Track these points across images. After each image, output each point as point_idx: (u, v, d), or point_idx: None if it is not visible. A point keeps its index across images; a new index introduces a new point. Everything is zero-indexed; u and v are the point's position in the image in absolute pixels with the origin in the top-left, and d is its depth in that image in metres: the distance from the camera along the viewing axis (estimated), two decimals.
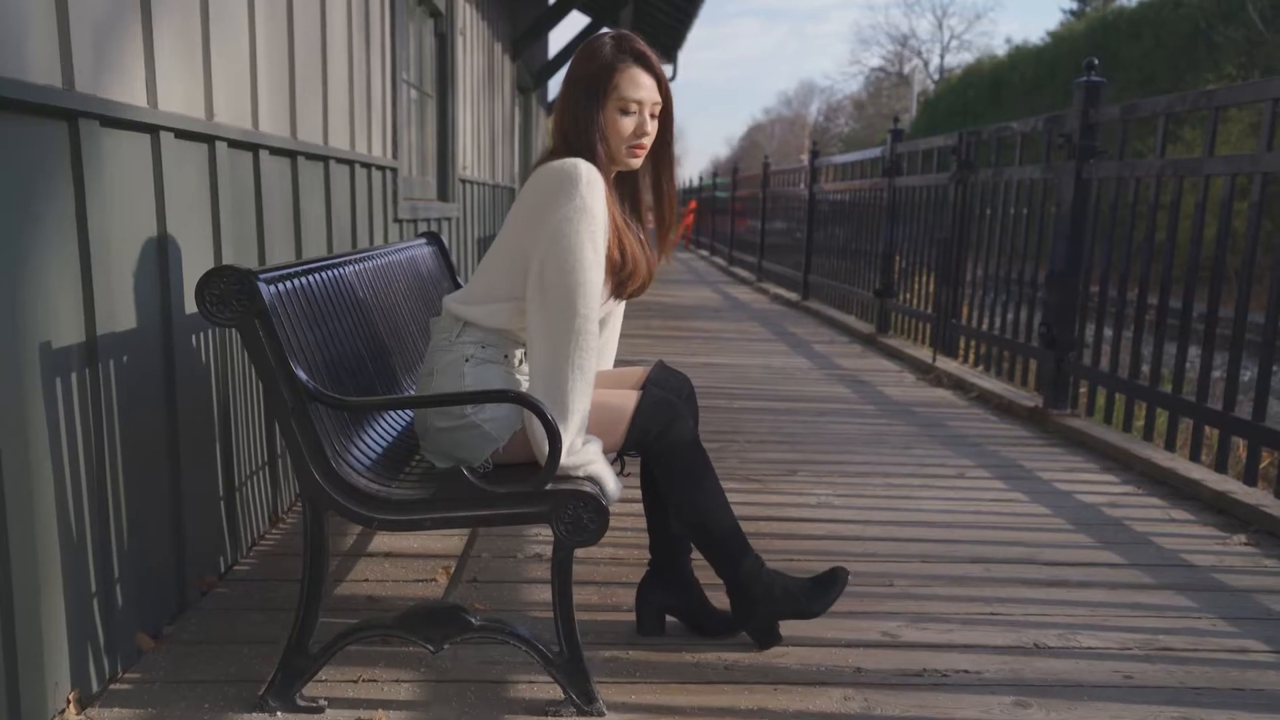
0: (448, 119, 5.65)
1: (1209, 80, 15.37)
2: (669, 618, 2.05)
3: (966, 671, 1.90)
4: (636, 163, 1.87)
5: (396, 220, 4.11)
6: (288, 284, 1.75)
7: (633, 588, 2.08)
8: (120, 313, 1.79)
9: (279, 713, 1.66)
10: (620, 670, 1.87)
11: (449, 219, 5.61)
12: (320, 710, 1.68)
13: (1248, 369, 3.84)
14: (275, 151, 2.56)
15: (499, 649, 1.92)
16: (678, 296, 9.73)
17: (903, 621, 2.12)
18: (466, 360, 1.81)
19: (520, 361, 1.89)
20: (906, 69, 49.29)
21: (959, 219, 5.44)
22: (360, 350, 2.03)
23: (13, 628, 1.47)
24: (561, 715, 1.68)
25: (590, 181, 1.71)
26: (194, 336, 2.10)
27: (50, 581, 1.57)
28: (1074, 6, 30.52)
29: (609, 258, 1.78)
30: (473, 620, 1.67)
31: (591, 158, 1.78)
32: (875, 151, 7.18)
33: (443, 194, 5.67)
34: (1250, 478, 3.03)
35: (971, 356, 5.33)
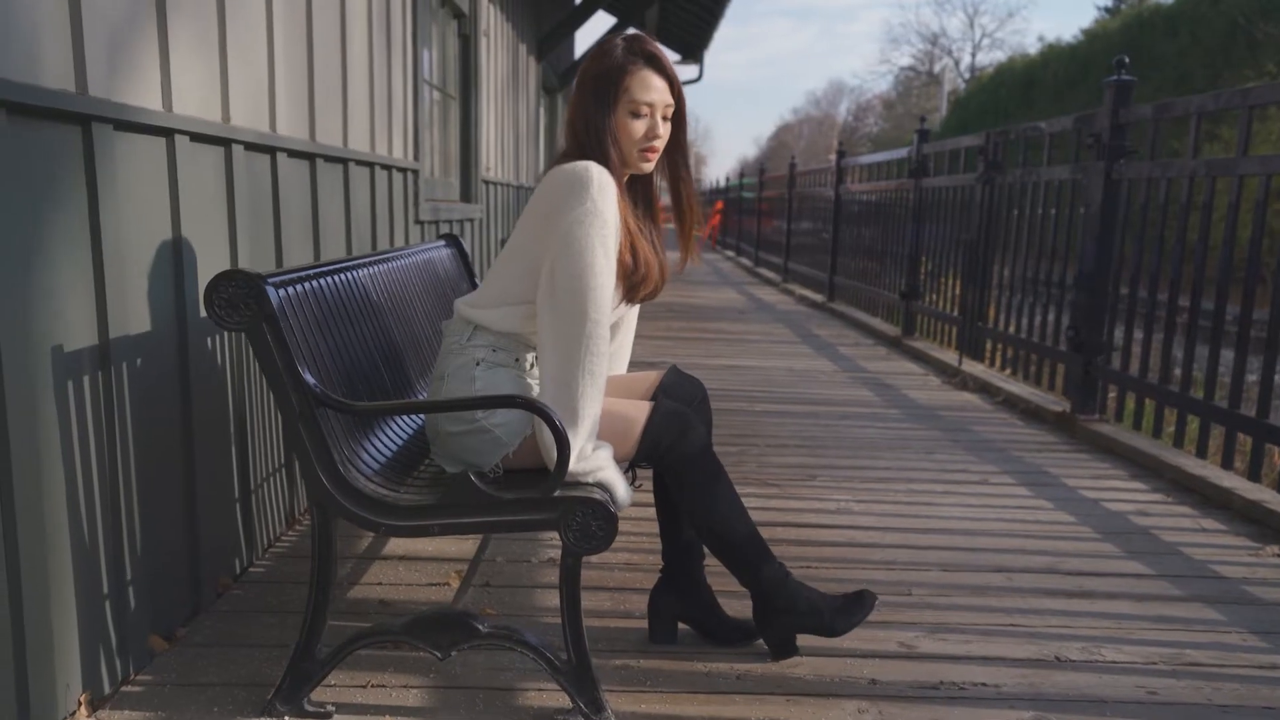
0: (471, 120, 5.66)
1: (1249, 78, 15.04)
2: (681, 626, 2.02)
3: (984, 685, 1.86)
4: (649, 166, 1.85)
5: (418, 222, 4.12)
6: (298, 288, 1.74)
7: (646, 594, 2.06)
8: (134, 316, 1.79)
9: (286, 717, 1.66)
10: (631, 678, 1.85)
11: (472, 220, 5.62)
12: (328, 716, 1.67)
13: None
14: (293, 154, 2.57)
15: (509, 655, 1.90)
16: (703, 298, 9.69)
17: (920, 632, 2.08)
18: (477, 364, 1.80)
19: (531, 365, 1.88)
20: (937, 68, 48.86)
21: (986, 220, 5.36)
22: (373, 354, 2.03)
23: (22, 629, 1.48)
24: None
25: (601, 185, 1.69)
26: (209, 339, 2.11)
27: (61, 583, 1.58)
28: (1108, 3, 30.06)
29: (621, 262, 1.77)
30: (480, 627, 1.65)
31: (603, 161, 1.76)
32: (901, 152, 7.10)
33: (466, 195, 5.68)
34: None
35: (998, 360, 5.25)
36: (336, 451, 1.61)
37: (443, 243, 2.99)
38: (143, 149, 1.82)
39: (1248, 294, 3.18)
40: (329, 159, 2.86)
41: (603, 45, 1.83)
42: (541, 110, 9.58)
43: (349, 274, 2.06)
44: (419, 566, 2.37)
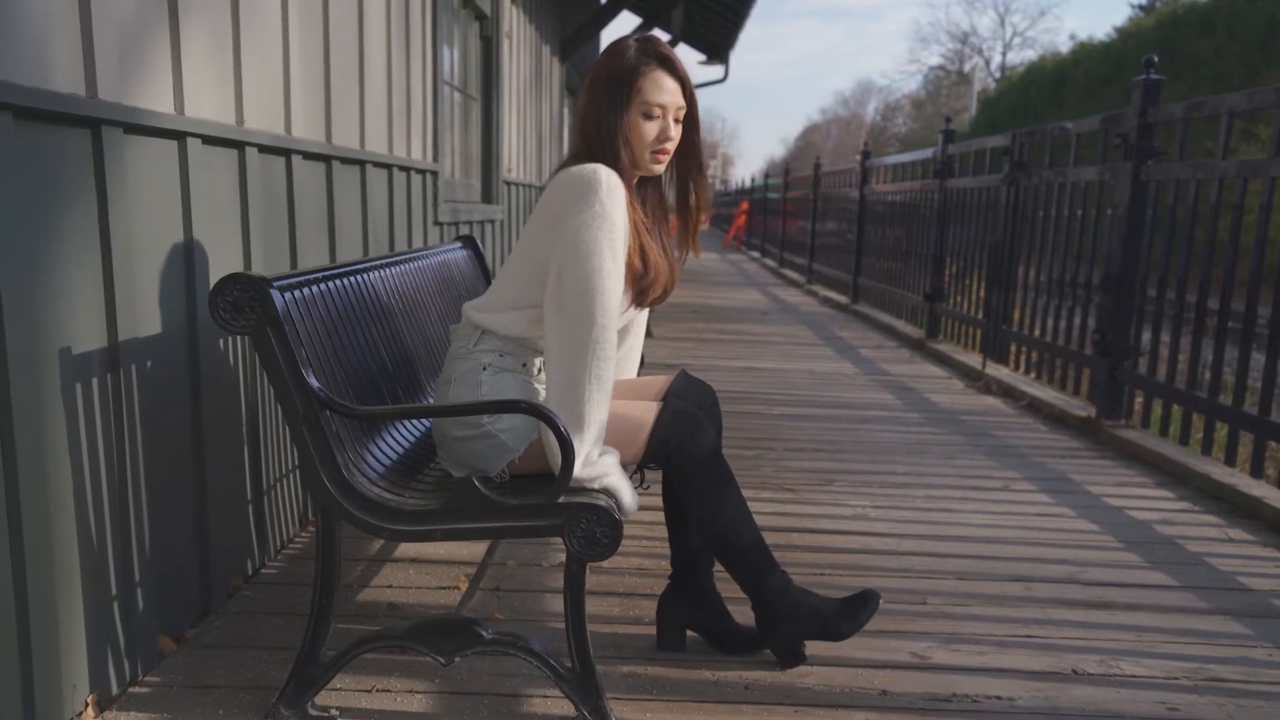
0: (493, 121, 5.67)
1: None
2: (690, 633, 2.00)
3: (999, 698, 1.82)
4: (659, 169, 1.83)
5: (437, 223, 4.13)
6: (305, 290, 1.74)
7: (656, 600, 2.04)
8: (144, 318, 1.80)
9: None
10: (637, 686, 1.83)
11: (493, 221, 5.63)
12: None
13: None
14: (309, 156, 2.58)
15: (515, 661, 1.89)
16: (726, 299, 9.65)
17: (934, 642, 2.05)
18: (484, 369, 1.79)
19: (539, 370, 1.86)
20: (967, 67, 48.41)
21: (1011, 221, 5.29)
22: (383, 357, 2.02)
23: (28, 629, 1.48)
24: None
25: (610, 187, 1.67)
26: (222, 341, 2.12)
27: (68, 584, 1.58)
28: (1143, 1, 29.60)
29: (629, 265, 1.75)
30: (484, 633, 1.64)
31: (614, 162, 1.75)
32: (927, 153, 7.03)
33: (487, 196, 5.69)
34: None
35: (1023, 363, 5.17)
36: (340, 455, 1.61)
37: (459, 245, 2.98)
38: (154, 152, 1.83)
39: (1279, 297, 3.10)
40: (345, 161, 2.87)
41: (615, 46, 1.81)
42: (565, 111, 9.59)
43: (359, 277, 2.06)
44: (430, 569, 2.37)
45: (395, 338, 2.13)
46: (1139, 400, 4.01)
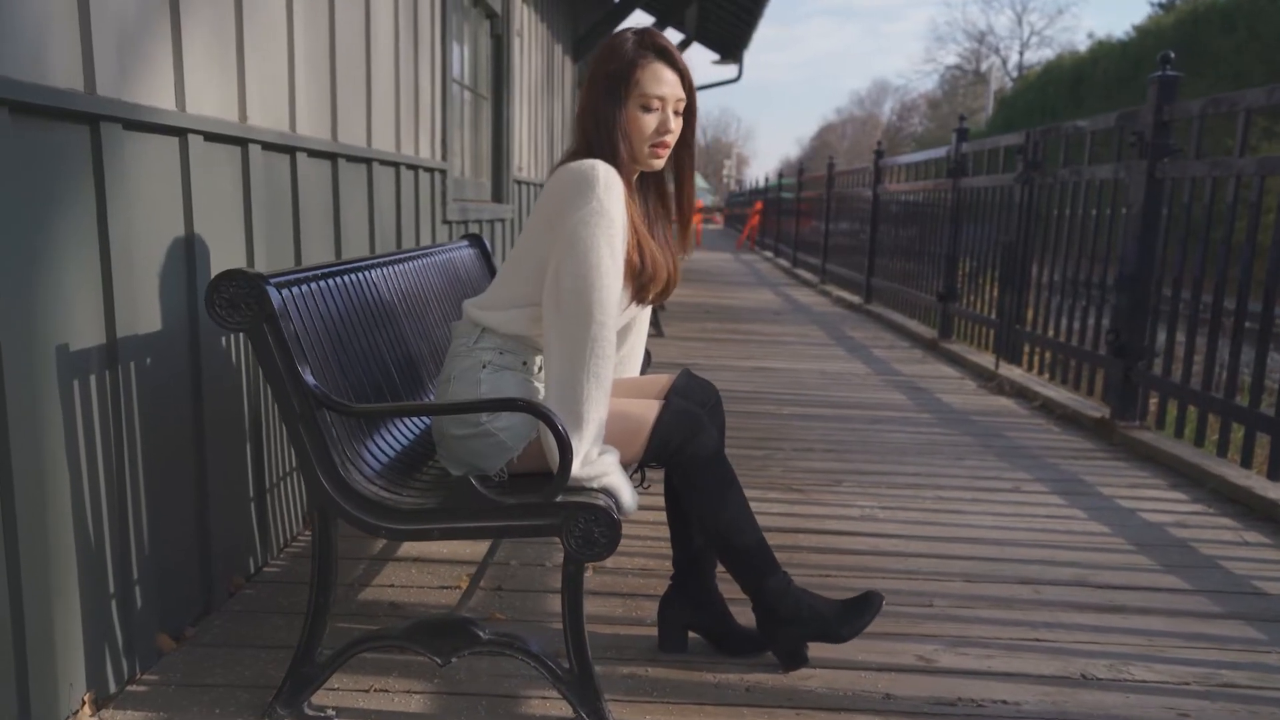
0: (503, 120, 5.66)
1: None
2: (692, 635, 1.98)
3: (1005, 702, 1.79)
4: (659, 163, 1.81)
5: (445, 222, 4.12)
6: (303, 288, 1.73)
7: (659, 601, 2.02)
8: (143, 315, 1.79)
9: None
10: (638, 688, 1.81)
11: (503, 220, 5.62)
12: (328, 719, 1.66)
13: None
14: (314, 154, 2.57)
15: (514, 661, 1.87)
16: (739, 298, 9.61)
17: (940, 645, 2.02)
18: (483, 367, 1.78)
19: (539, 369, 1.85)
20: (984, 66, 48.12)
21: (1025, 220, 5.23)
22: (384, 354, 2.01)
23: (23, 627, 1.48)
24: None
25: (608, 184, 1.65)
26: (224, 338, 2.11)
27: (64, 582, 1.58)
28: None
29: (628, 262, 1.73)
30: (481, 634, 1.63)
31: (613, 158, 1.73)
32: (940, 152, 6.97)
33: (497, 195, 5.69)
34: None
35: (1036, 364, 5.12)
36: (337, 453, 1.60)
37: (465, 243, 2.97)
38: (154, 149, 1.82)
39: None
40: (351, 159, 2.86)
41: (613, 40, 1.79)
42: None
43: (360, 274, 2.05)
44: (431, 569, 2.36)
45: (397, 336, 2.12)
46: (1154, 401, 3.95)
